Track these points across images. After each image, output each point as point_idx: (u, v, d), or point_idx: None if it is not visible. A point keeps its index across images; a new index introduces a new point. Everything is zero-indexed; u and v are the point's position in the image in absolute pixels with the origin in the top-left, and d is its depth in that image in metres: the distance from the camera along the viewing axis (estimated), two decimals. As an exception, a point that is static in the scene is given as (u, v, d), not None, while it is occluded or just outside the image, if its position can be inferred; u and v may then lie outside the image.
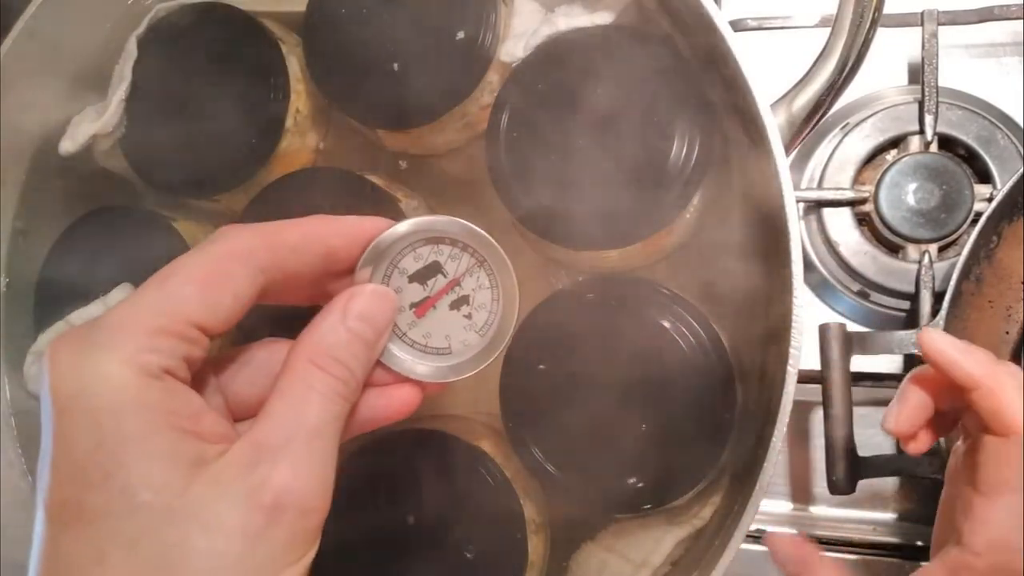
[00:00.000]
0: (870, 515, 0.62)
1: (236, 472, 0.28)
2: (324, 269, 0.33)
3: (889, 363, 0.62)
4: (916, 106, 0.61)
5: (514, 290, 0.35)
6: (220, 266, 0.30)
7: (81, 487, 0.27)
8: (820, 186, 0.63)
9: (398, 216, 0.38)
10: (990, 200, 0.55)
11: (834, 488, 0.52)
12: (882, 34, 0.45)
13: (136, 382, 0.27)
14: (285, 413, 0.30)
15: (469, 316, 0.36)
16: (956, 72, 0.64)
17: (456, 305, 0.36)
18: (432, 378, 0.36)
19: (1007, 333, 0.55)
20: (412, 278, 0.35)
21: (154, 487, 0.27)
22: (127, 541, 0.27)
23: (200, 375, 0.32)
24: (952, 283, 0.53)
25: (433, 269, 0.36)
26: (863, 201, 0.61)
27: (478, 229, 0.35)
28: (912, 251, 0.61)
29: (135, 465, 0.27)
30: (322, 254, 0.33)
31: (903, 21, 0.62)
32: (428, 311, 0.36)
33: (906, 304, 0.62)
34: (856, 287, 0.63)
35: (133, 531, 0.27)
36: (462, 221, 0.35)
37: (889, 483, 0.62)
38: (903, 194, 0.60)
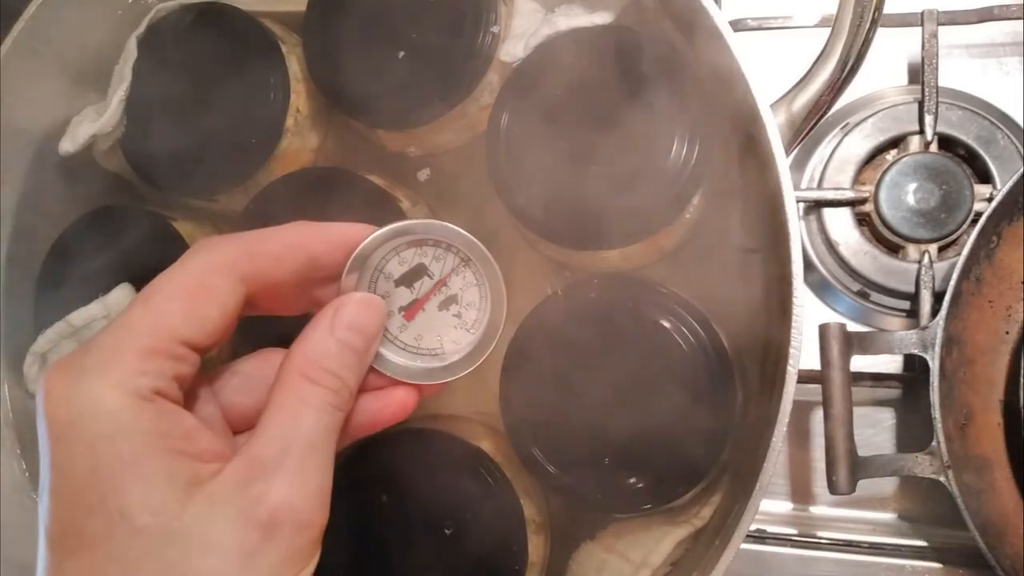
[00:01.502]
0: (870, 515, 0.62)
1: (231, 490, 0.28)
2: (308, 276, 0.33)
3: (889, 363, 0.62)
4: (916, 106, 0.61)
5: (500, 285, 0.35)
6: (202, 280, 0.30)
7: (80, 513, 0.27)
8: (820, 186, 0.63)
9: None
10: (990, 200, 0.55)
11: (834, 488, 0.52)
12: (882, 34, 0.45)
13: (128, 406, 0.27)
14: (278, 428, 0.30)
15: (459, 315, 0.36)
16: (956, 72, 0.64)
17: (445, 305, 0.36)
18: (427, 379, 0.36)
19: (1007, 333, 0.55)
20: (398, 282, 0.36)
21: (151, 510, 0.27)
22: (129, 565, 0.27)
23: (196, 389, 0.32)
24: (952, 283, 0.53)
25: (419, 271, 0.36)
26: (863, 201, 0.61)
27: (460, 229, 0.35)
28: (912, 251, 0.61)
29: (131, 489, 0.27)
30: (304, 261, 0.33)
31: (903, 21, 0.62)
32: (417, 313, 0.36)
33: (906, 304, 0.62)
34: (856, 287, 0.63)
35: (134, 554, 0.27)
36: (443, 223, 0.35)
37: (889, 483, 0.62)
38: (903, 194, 0.60)
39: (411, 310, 0.36)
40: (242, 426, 0.33)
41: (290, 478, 0.29)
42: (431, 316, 0.36)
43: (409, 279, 0.36)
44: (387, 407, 0.35)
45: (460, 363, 0.36)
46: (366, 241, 0.34)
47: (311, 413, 0.30)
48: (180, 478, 0.28)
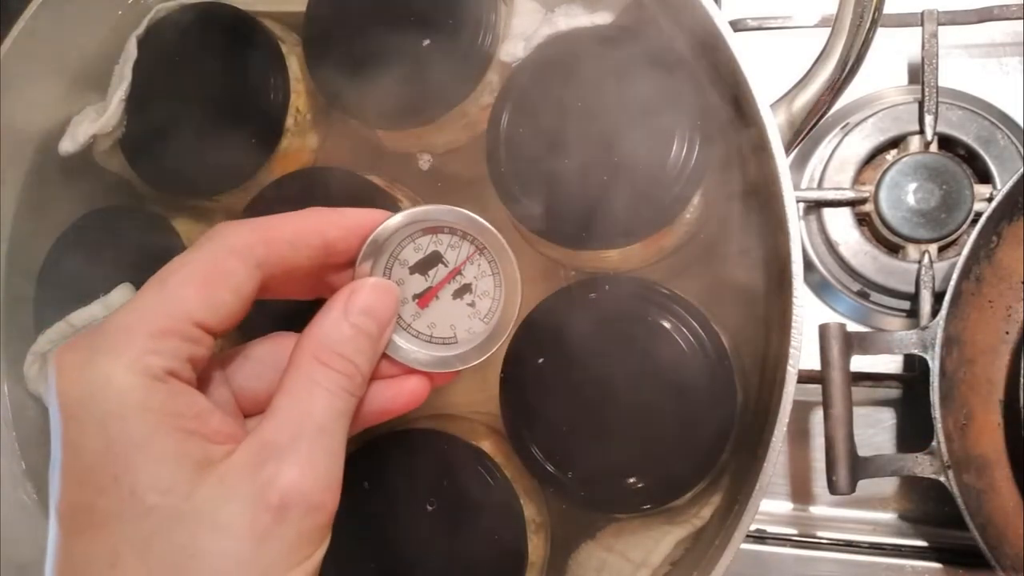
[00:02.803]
0: (870, 515, 0.62)
1: (243, 472, 0.28)
2: (323, 262, 0.33)
3: (889, 363, 0.62)
4: (916, 106, 0.61)
5: (515, 275, 0.35)
6: (218, 263, 0.30)
7: (91, 492, 0.27)
8: (820, 186, 0.63)
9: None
10: (990, 200, 0.55)
11: (834, 488, 0.52)
12: (882, 34, 0.45)
13: (141, 386, 0.27)
14: (291, 411, 0.30)
15: (472, 304, 0.36)
16: (956, 72, 0.64)
17: (459, 294, 0.36)
18: (439, 368, 0.35)
19: (1007, 333, 0.55)
20: (413, 269, 0.35)
21: (161, 489, 0.27)
22: (138, 543, 0.27)
23: (208, 372, 0.32)
24: (952, 283, 0.53)
25: (434, 259, 0.35)
26: (863, 201, 0.61)
27: (476, 216, 0.35)
28: (912, 251, 0.61)
29: (142, 468, 0.27)
30: (320, 247, 0.33)
31: (903, 21, 0.62)
32: (431, 301, 0.36)
33: (906, 304, 0.62)
34: (856, 287, 0.63)
35: (144, 534, 0.27)
36: (459, 209, 0.35)
37: (889, 483, 0.62)
38: (903, 194, 0.60)
39: (425, 298, 0.36)
40: (254, 410, 0.33)
41: (301, 461, 0.29)
42: (445, 304, 0.36)
43: (424, 266, 0.36)
44: (399, 395, 0.35)
45: (472, 352, 0.36)
46: (381, 227, 0.34)
47: (323, 397, 0.30)
48: (191, 459, 0.28)
